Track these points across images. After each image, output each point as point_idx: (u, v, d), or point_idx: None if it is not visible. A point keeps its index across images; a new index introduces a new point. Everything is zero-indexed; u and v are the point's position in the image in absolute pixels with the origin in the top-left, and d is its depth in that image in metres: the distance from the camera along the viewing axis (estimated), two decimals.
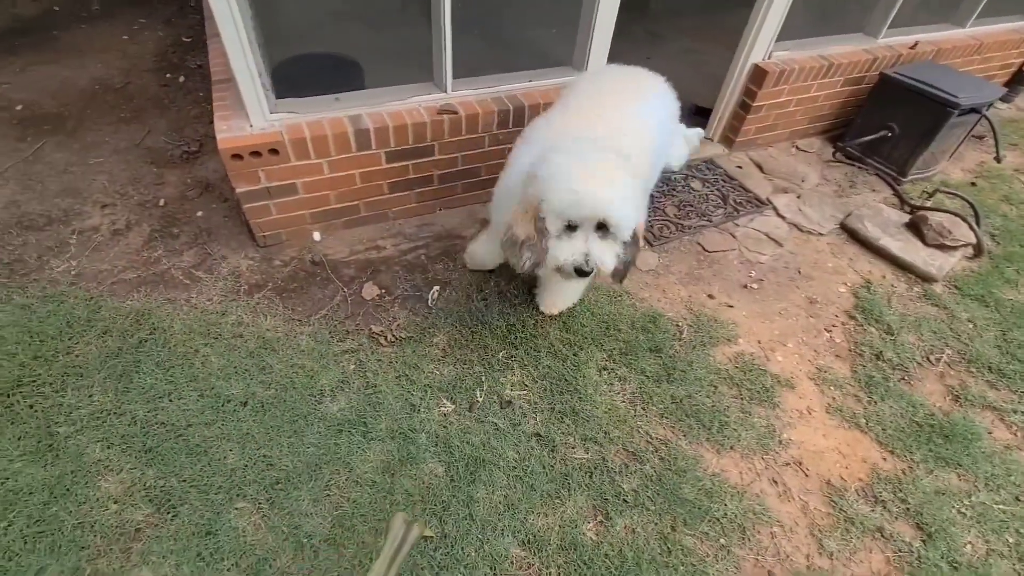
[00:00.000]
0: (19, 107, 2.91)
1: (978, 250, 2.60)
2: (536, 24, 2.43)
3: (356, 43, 2.29)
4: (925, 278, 2.49)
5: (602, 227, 1.42)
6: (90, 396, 1.77)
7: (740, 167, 3.05)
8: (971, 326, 2.31)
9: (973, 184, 3.13)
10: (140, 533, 1.51)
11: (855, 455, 1.85)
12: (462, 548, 1.53)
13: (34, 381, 1.78)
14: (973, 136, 3.21)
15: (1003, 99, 3.83)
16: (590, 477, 1.72)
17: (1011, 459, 1.87)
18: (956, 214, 2.59)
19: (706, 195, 2.81)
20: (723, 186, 2.88)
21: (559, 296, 2.07)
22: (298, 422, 1.76)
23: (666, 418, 1.89)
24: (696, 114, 3.29)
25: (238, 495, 1.59)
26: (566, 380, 1.96)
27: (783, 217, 2.75)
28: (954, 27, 3.33)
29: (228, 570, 1.46)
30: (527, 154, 1.64)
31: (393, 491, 1.63)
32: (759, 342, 2.17)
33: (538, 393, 1.92)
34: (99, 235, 2.29)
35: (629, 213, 1.40)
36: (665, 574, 1.53)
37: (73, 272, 2.13)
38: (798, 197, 2.88)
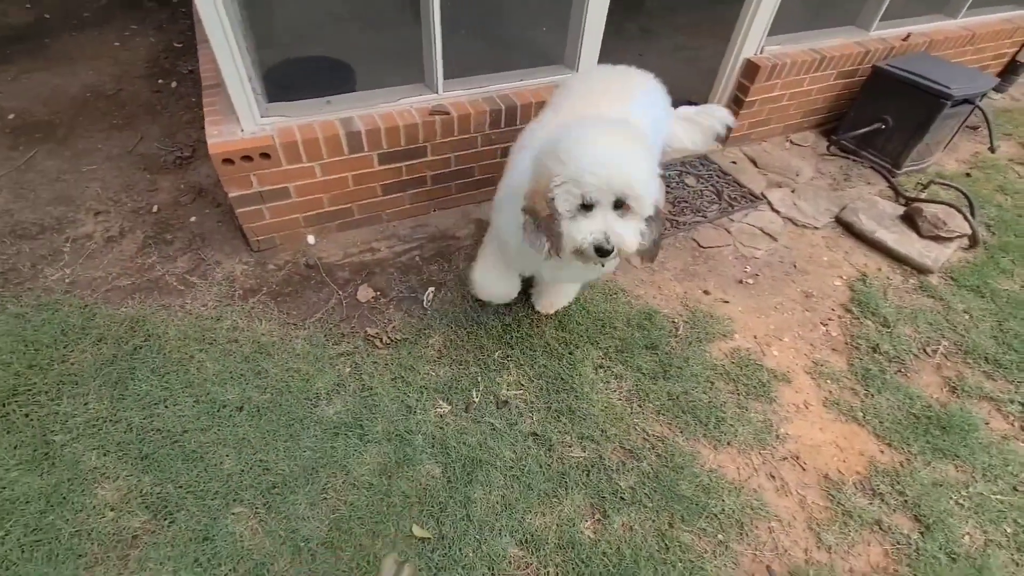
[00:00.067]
0: (11, 116, 2.91)
1: (973, 241, 2.60)
2: (526, 23, 2.43)
3: (348, 45, 2.29)
4: (921, 270, 2.49)
5: (620, 205, 1.32)
6: (85, 404, 1.77)
7: (734, 162, 3.04)
8: (967, 317, 2.31)
9: (968, 175, 3.12)
10: (137, 540, 1.51)
11: (852, 448, 1.85)
12: (460, 549, 1.53)
13: (29, 390, 1.78)
14: (967, 127, 3.21)
15: (996, 89, 3.83)
16: (587, 475, 1.72)
17: (1008, 449, 1.87)
18: (951, 205, 2.59)
19: (700, 191, 2.81)
20: (717, 182, 2.88)
21: (555, 296, 2.07)
22: (294, 426, 1.76)
23: (663, 415, 1.89)
24: None
25: (235, 500, 1.59)
26: (562, 379, 1.96)
27: (778, 212, 2.75)
28: (946, 18, 3.32)
29: (226, 575, 1.45)
30: (525, 160, 1.61)
31: (390, 493, 1.63)
32: (755, 337, 2.17)
33: (534, 392, 1.92)
34: (93, 242, 2.28)
35: (649, 186, 1.31)
36: (663, 571, 1.53)
37: (67, 280, 2.12)
38: (792, 191, 2.88)
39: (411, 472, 1.68)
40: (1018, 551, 1.63)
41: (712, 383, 1.99)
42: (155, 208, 2.45)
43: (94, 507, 1.56)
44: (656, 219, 1.40)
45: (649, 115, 1.82)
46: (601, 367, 2.00)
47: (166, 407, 1.78)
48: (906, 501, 1.72)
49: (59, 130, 2.85)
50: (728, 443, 1.83)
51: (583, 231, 1.31)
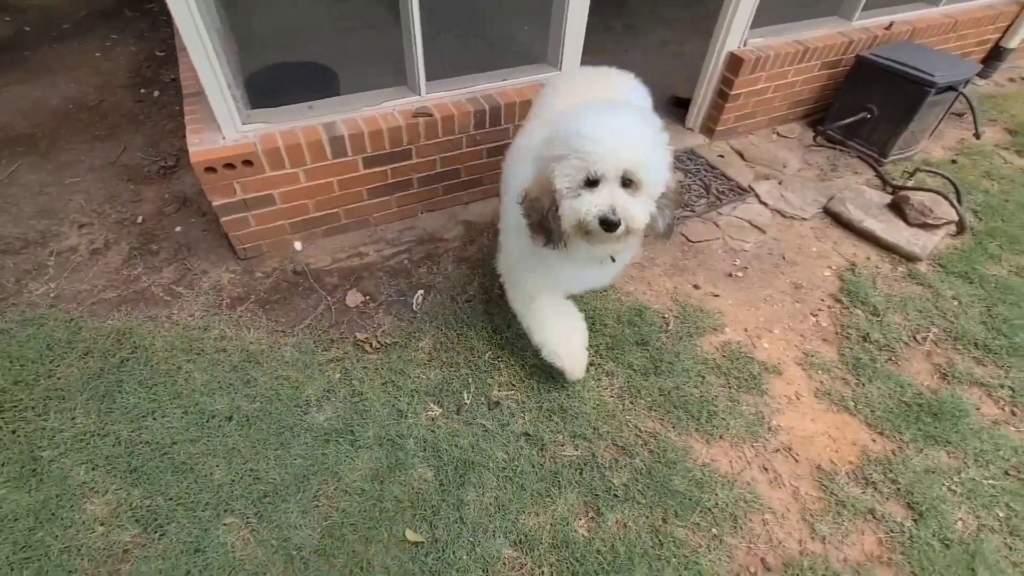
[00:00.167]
0: None
1: (961, 227, 2.61)
2: (508, 22, 2.43)
3: (330, 50, 2.28)
4: (909, 258, 2.50)
5: (628, 184, 1.26)
6: (73, 419, 1.75)
7: (721, 156, 3.05)
8: (956, 303, 2.31)
9: (954, 161, 3.13)
10: (128, 554, 1.49)
11: (844, 438, 1.85)
12: (453, 552, 1.53)
13: (16, 406, 1.76)
14: (952, 114, 3.22)
15: (980, 75, 3.84)
16: (580, 474, 1.72)
17: (999, 434, 1.88)
18: (938, 192, 2.60)
19: (688, 185, 2.81)
20: (705, 176, 2.88)
21: None
22: (284, 434, 1.75)
23: (654, 411, 1.88)
24: (676, 105, 3.29)
25: (226, 511, 1.58)
26: (553, 378, 1.95)
27: (766, 204, 2.75)
28: (928, 6, 3.33)
29: None
30: (517, 175, 1.58)
31: (382, 498, 1.62)
32: (745, 330, 2.17)
33: (525, 392, 1.91)
34: (77, 255, 2.27)
35: (658, 162, 1.26)
36: (658, 567, 1.53)
37: (52, 294, 2.11)
38: (780, 183, 2.88)
39: (403, 476, 1.68)
40: (1011, 535, 1.63)
41: (703, 377, 1.99)
42: (140, 219, 2.44)
43: (83, 522, 1.54)
44: (669, 198, 1.35)
45: None
46: (592, 364, 2.00)
47: (154, 419, 1.77)
48: (899, 489, 1.72)
49: (41, 143, 2.83)
50: (720, 437, 1.83)
51: (587, 204, 1.24)
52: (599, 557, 1.54)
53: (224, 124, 1.92)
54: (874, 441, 1.85)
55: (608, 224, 1.23)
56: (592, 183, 1.25)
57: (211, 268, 2.24)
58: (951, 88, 2.82)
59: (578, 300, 2.18)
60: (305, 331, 2.04)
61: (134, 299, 2.11)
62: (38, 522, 1.53)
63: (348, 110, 2.13)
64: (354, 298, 2.16)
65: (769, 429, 1.86)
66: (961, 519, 1.66)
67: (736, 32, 2.72)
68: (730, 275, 2.39)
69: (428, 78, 2.18)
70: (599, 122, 1.24)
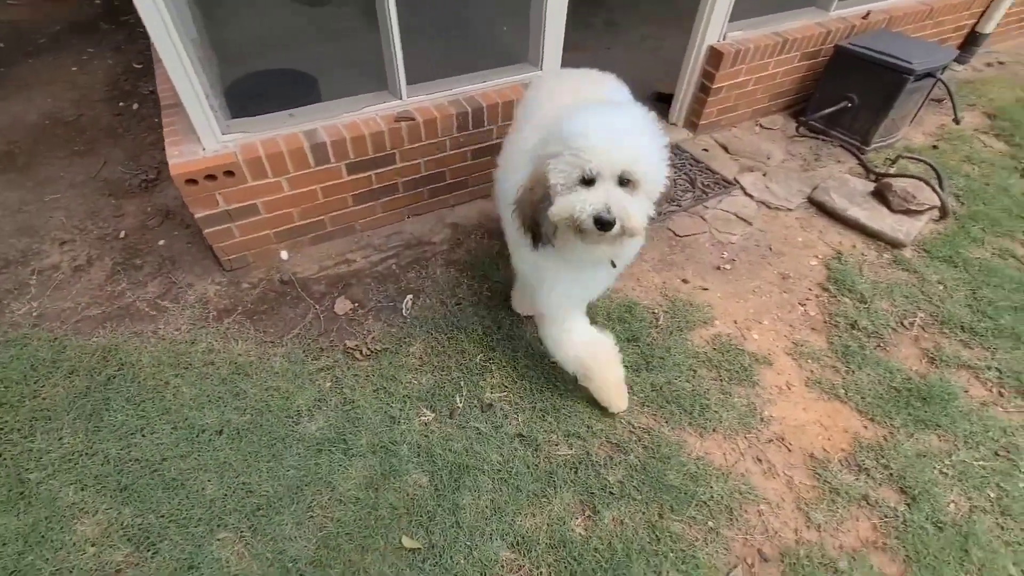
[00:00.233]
0: None
1: (943, 212, 2.63)
2: (487, 23, 2.42)
3: (310, 57, 2.27)
4: (894, 244, 2.52)
5: (625, 183, 1.22)
6: (60, 439, 1.73)
7: (706, 150, 3.06)
8: (941, 288, 2.34)
9: (935, 147, 3.17)
10: (120, 574, 1.47)
11: (836, 426, 1.87)
12: (451, 557, 1.52)
13: (0, 429, 1.73)
14: (932, 100, 3.25)
15: (958, 61, 3.89)
16: (575, 472, 1.71)
17: (988, 415, 1.90)
18: (920, 178, 2.63)
19: (674, 180, 2.80)
20: (690, 170, 2.89)
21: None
22: (276, 445, 1.73)
23: (647, 406, 1.89)
24: (659, 101, 3.30)
25: (219, 525, 1.56)
26: (545, 378, 1.95)
27: (751, 196, 2.77)
28: None
29: None
30: (507, 180, 1.57)
31: (377, 506, 1.61)
32: (735, 322, 2.18)
33: (518, 393, 1.91)
34: (59, 273, 2.23)
35: (656, 163, 1.23)
36: (655, 563, 1.53)
37: (35, 313, 2.07)
38: (764, 175, 2.90)
39: (398, 483, 1.67)
40: (1002, 515, 1.65)
41: (695, 371, 1.99)
42: (122, 233, 2.41)
43: (74, 544, 1.52)
44: (660, 198, 1.31)
45: None
46: None
47: (143, 436, 1.75)
48: (891, 474, 1.73)
49: (19, 159, 2.79)
50: (713, 429, 1.83)
51: (581, 200, 1.20)
52: (597, 555, 1.54)
53: (203, 135, 1.90)
54: (865, 428, 1.86)
55: (602, 223, 1.19)
56: (588, 182, 1.21)
57: (196, 281, 2.21)
58: (929, 75, 2.86)
59: None
60: (294, 341, 2.03)
61: (119, 315, 2.08)
62: (27, 546, 1.51)
63: (329, 117, 2.11)
64: (343, 305, 2.15)
65: (761, 420, 1.87)
66: (953, 501, 1.68)
67: (715, 26, 2.73)
68: (718, 268, 2.40)
69: (409, 82, 2.17)
70: (596, 120, 1.21)
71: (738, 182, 2.84)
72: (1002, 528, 1.62)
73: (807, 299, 2.28)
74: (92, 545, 1.52)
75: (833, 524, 1.63)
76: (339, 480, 1.67)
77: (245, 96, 2.12)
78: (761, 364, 2.03)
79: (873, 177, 2.86)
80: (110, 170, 2.75)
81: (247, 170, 1.97)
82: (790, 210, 2.70)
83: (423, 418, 1.83)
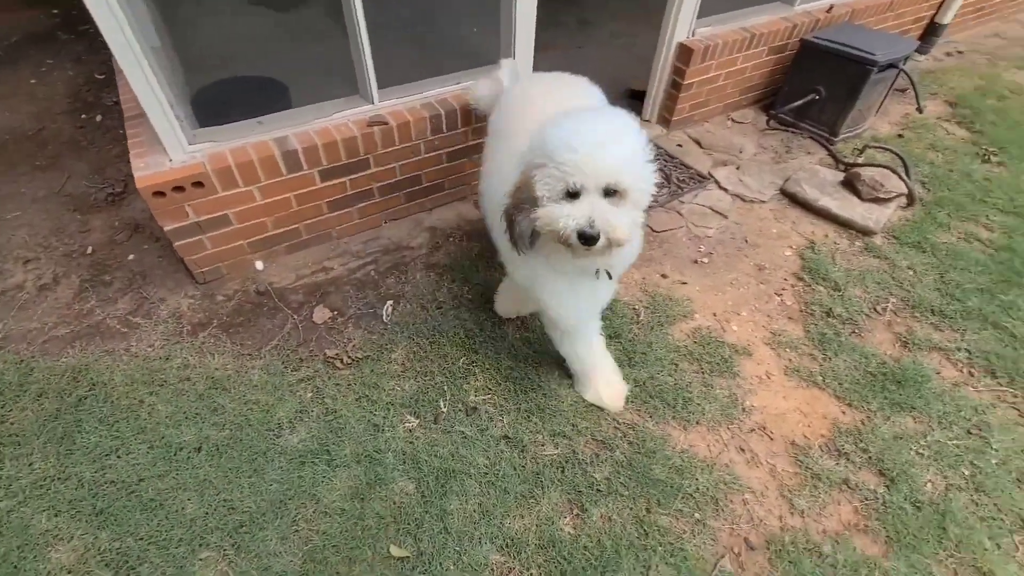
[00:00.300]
0: None
1: (910, 199, 2.70)
2: (457, 25, 2.41)
3: (279, 63, 2.23)
4: (864, 232, 2.57)
5: (611, 194, 1.20)
6: (30, 464, 1.67)
7: (680, 145, 3.09)
8: (911, 273, 2.40)
9: (900, 136, 3.25)
10: None
11: (815, 412, 1.90)
12: (440, 563, 1.51)
13: None
14: (895, 90, 3.34)
15: (919, 51, 3.99)
16: (562, 472, 1.72)
17: (960, 395, 1.95)
18: (887, 167, 2.69)
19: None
20: (665, 165, 2.92)
21: (517, 301, 2.04)
22: (257, 460, 1.70)
23: (631, 402, 1.90)
24: (632, 98, 3.33)
25: (201, 545, 1.53)
26: (529, 378, 1.95)
27: (725, 189, 2.81)
28: None
29: None
30: (492, 188, 1.56)
31: (364, 516, 1.59)
32: (714, 314, 2.20)
33: (502, 395, 1.90)
34: (24, 293, 2.16)
35: (642, 172, 1.20)
36: (644, 557, 1.54)
37: None
38: (737, 168, 2.94)
39: (384, 492, 1.65)
40: (977, 491, 1.70)
41: (676, 365, 2.01)
42: (89, 249, 2.34)
43: (49, 572, 1.47)
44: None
45: None
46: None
47: (118, 457, 1.70)
48: (870, 457, 1.77)
49: None
50: (697, 422, 1.85)
51: (565, 215, 1.19)
52: (586, 553, 1.54)
53: (170, 146, 1.86)
54: (843, 413, 1.90)
55: (586, 238, 1.18)
56: (573, 194, 1.19)
57: (169, 295, 2.16)
58: (892, 66, 2.93)
59: None
60: (272, 352, 1.99)
61: (88, 334, 2.02)
62: None
63: (300, 123, 2.08)
64: (321, 314, 2.12)
65: (743, 410, 1.89)
66: (930, 481, 1.72)
67: (684, 23, 2.76)
68: (696, 262, 2.43)
69: (380, 86, 2.15)
70: (579, 131, 1.18)
71: (712, 176, 2.87)
72: (977, 504, 1.67)
73: (783, 289, 2.32)
74: (68, 573, 1.47)
75: (816, 509, 1.66)
76: (323, 492, 1.64)
77: (212, 104, 2.07)
78: (741, 355, 2.06)
79: (842, 167, 2.92)
80: (75, 184, 2.67)
81: (216, 180, 1.93)
82: (764, 202, 2.75)
83: (407, 425, 1.82)
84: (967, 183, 2.86)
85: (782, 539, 1.59)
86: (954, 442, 1.82)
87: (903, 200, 2.71)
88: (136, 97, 1.74)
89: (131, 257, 2.31)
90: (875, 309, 2.25)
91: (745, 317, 2.20)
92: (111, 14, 1.55)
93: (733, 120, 3.31)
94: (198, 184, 1.90)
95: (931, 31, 4.00)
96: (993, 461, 1.76)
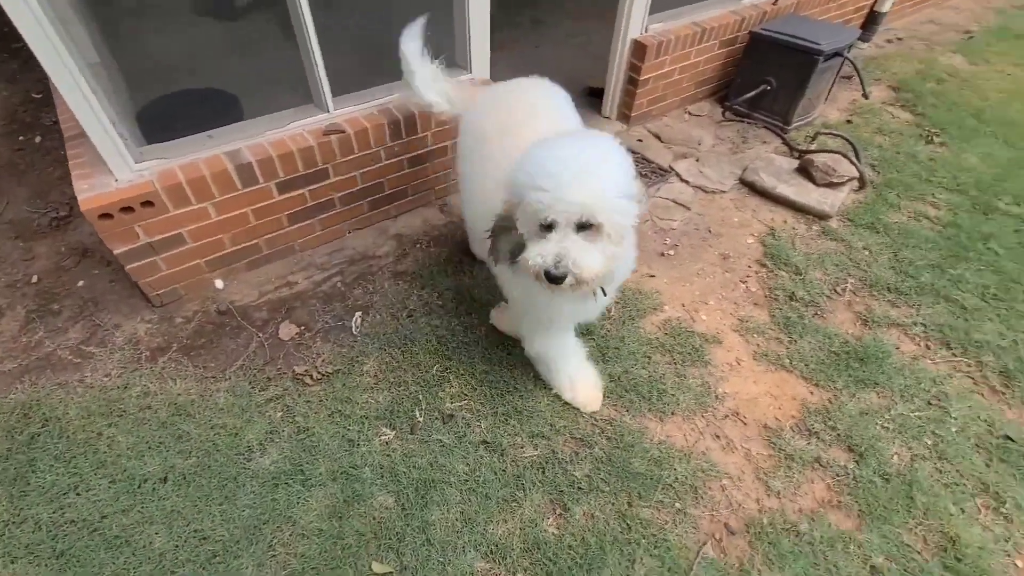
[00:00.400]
0: None
1: (862, 182, 2.80)
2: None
3: (229, 74, 2.15)
4: (821, 216, 2.66)
5: (586, 227, 1.16)
6: None
7: (640, 140, 3.13)
8: (867, 253, 2.48)
9: (849, 122, 3.37)
10: None
11: (785, 395, 1.95)
12: None
13: None
14: (842, 77, 3.46)
15: (861, 39, 4.15)
16: (543, 473, 1.71)
17: (919, 368, 2.03)
18: (838, 152, 2.78)
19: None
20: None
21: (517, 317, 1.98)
22: (228, 486, 1.64)
23: (607, 397, 1.90)
24: (591, 95, 3.35)
25: None
26: (504, 381, 1.94)
27: (687, 182, 2.85)
28: None
29: None
30: (477, 213, 1.54)
31: (343, 535, 1.55)
32: (683, 305, 2.24)
33: (479, 400, 1.89)
34: None
35: (616, 205, 1.15)
36: (629, 551, 1.54)
37: None
38: (697, 160, 2.99)
39: (362, 508, 1.61)
40: (939, 460, 1.77)
41: (649, 358, 2.03)
42: (35, 278, 2.22)
43: None
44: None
45: (573, 117, 1.75)
46: None
47: (78, 495, 1.61)
48: (839, 435, 1.82)
49: None
50: (672, 412, 1.87)
51: (534, 254, 1.17)
52: (571, 552, 1.54)
53: (114, 165, 1.78)
54: (811, 393, 1.95)
55: (551, 278, 1.16)
56: (549, 227, 1.17)
57: (124, 321, 2.07)
58: (837, 54, 3.03)
59: None
60: (238, 373, 1.92)
61: (38, 367, 1.91)
62: None
63: (253, 135, 2.02)
64: (288, 330, 2.06)
65: (716, 397, 1.92)
66: (896, 453, 1.78)
67: (636, 19, 2.79)
68: (662, 254, 2.46)
69: (335, 94, 2.11)
70: (550, 165, 1.14)
71: (673, 169, 2.92)
72: (940, 472, 1.73)
73: (748, 276, 2.37)
74: None
75: (791, 489, 1.69)
76: (300, 513, 1.59)
77: (159, 120, 2.00)
78: (711, 343, 2.09)
79: (796, 154, 3.01)
80: (15, 210, 2.53)
81: (167, 198, 1.85)
82: (724, 192, 2.81)
83: (383, 437, 1.78)
84: (913, 164, 2.99)
85: (761, 521, 1.62)
86: (916, 414, 1.89)
87: (855, 183, 2.81)
88: (75, 116, 1.66)
89: (80, 283, 2.20)
90: (835, 290, 2.32)
91: (713, 306, 2.24)
92: (41, 31, 1.47)
93: (690, 113, 3.37)
94: (148, 203, 1.82)
95: (871, 20, 4.16)
96: (953, 429, 1.84)
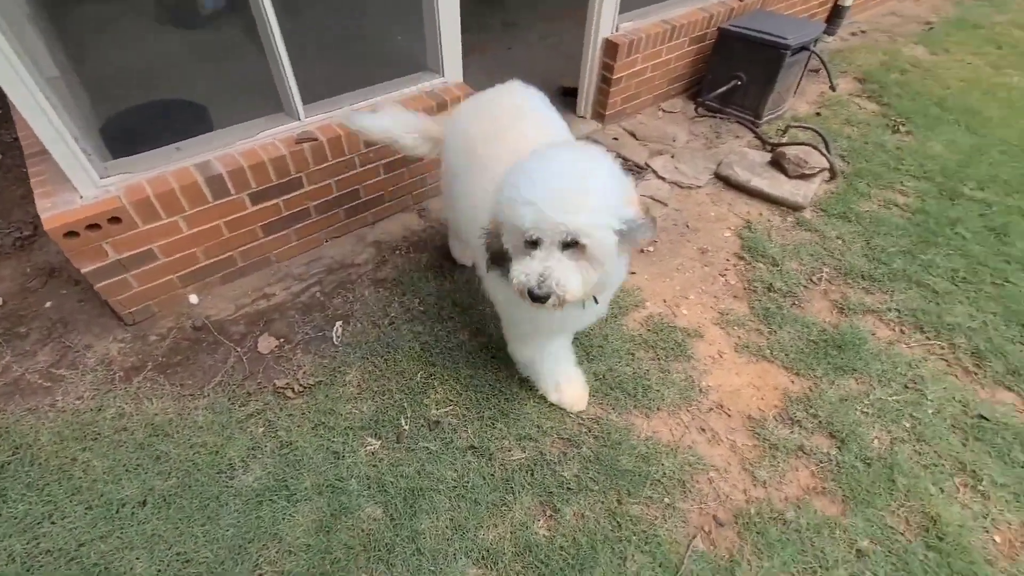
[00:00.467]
0: None
1: (832, 173, 2.86)
2: (380, 34, 2.35)
3: (197, 84, 2.11)
4: (795, 207, 2.70)
5: (572, 244, 1.14)
6: None
7: (616, 138, 3.15)
8: (840, 242, 2.53)
9: (818, 114, 3.43)
10: None
11: (767, 385, 1.97)
12: None
13: None
14: (809, 71, 3.52)
15: (827, 33, 4.23)
16: (531, 475, 1.70)
17: (895, 352, 2.07)
18: (809, 144, 2.83)
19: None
20: None
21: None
22: (210, 506, 1.60)
23: (593, 396, 1.91)
24: (565, 95, 3.36)
25: None
26: (490, 385, 1.93)
27: (663, 178, 2.88)
28: None
29: None
30: (465, 210, 1.53)
31: (331, 549, 1.53)
32: (664, 301, 2.25)
33: (464, 405, 1.88)
34: None
35: (601, 222, 1.11)
36: (620, 548, 1.55)
37: None
38: (672, 156, 3.02)
39: (350, 521, 1.59)
40: (918, 441, 1.81)
41: (633, 354, 2.04)
42: None
43: None
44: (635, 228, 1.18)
45: (554, 118, 1.73)
46: None
47: (53, 523, 1.56)
48: (820, 422, 1.85)
49: None
50: (658, 408, 1.88)
51: (517, 271, 1.16)
52: (563, 553, 1.54)
53: (78, 181, 1.73)
54: (792, 382, 1.98)
55: (534, 297, 1.15)
56: (535, 243, 1.15)
57: (95, 341, 2.01)
58: (804, 48, 3.08)
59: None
60: (217, 389, 1.88)
61: (6, 393, 1.85)
62: None
63: (222, 146, 1.98)
64: (267, 343, 2.02)
65: (700, 391, 1.94)
66: (876, 437, 1.82)
67: (607, 19, 2.81)
68: (642, 251, 2.47)
69: (305, 101, 2.08)
70: (535, 182, 1.12)
71: (649, 166, 2.94)
72: (919, 454, 1.77)
73: (726, 269, 2.40)
74: None
75: (776, 478, 1.71)
76: (286, 529, 1.56)
77: (124, 133, 1.94)
78: (693, 338, 2.11)
79: (769, 148, 3.06)
80: None
81: (135, 214, 1.80)
82: (700, 187, 2.84)
83: (369, 447, 1.76)
84: (881, 153, 3.06)
85: (748, 511, 1.63)
86: (894, 398, 1.93)
87: (826, 174, 2.86)
88: (35, 133, 1.61)
89: (48, 304, 2.13)
90: (811, 280, 2.36)
91: (693, 300, 2.26)
92: None
93: (664, 110, 3.41)
94: (115, 220, 1.77)
95: (836, 13, 4.25)
96: (930, 411, 1.88)
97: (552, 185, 1.11)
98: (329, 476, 1.68)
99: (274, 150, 2.01)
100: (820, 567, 1.52)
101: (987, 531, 1.59)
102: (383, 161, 2.34)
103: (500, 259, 1.27)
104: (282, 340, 2.05)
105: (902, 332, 2.15)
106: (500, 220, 1.20)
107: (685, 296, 2.28)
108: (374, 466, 1.71)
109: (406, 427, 1.81)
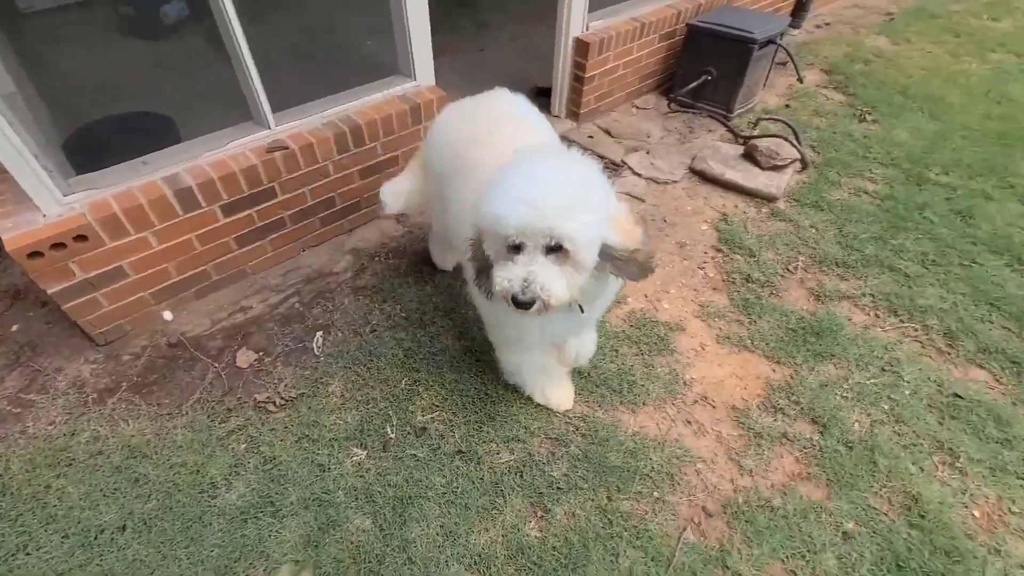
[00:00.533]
0: None
1: (804, 163, 2.91)
2: (350, 39, 2.33)
3: (163, 95, 2.07)
4: (769, 199, 2.75)
5: (557, 249, 1.12)
6: None
7: (591, 136, 3.17)
8: (814, 231, 2.58)
9: (787, 106, 3.50)
10: None
11: (749, 375, 2.00)
12: None
13: None
14: (777, 64, 3.59)
15: (792, 26, 4.32)
16: (520, 476, 1.70)
17: (871, 337, 2.11)
18: (779, 136, 2.88)
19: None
20: None
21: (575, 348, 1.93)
22: (193, 527, 1.56)
23: (579, 394, 1.91)
24: (539, 95, 3.37)
25: None
26: (475, 388, 1.92)
27: (639, 174, 2.90)
28: None
29: None
30: (456, 213, 1.52)
31: (320, 563, 1.50)
32: (645, 296, 2.27)
33: (450, 410, 1.86)
34: None
35: (585, 227, 1.10)
36: (612, 545, 1.55)
37: None
38: (647, 152, 3.05)
39: (339, 534, 1.56)
40: (897, 422, 1.85)
41: (617, 351, 2.05)
42: None
43: None
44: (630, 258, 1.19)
45: (539, 120, 1.72)
46: None
47: (28, 554, 1.50)
48: (802, 408, 1.88)
49: None
50: (643, 403, 1.89)
51: (500, 277, 1.14)
52: (555, 553, 1.54)
53: (40, 200, 1.67)
54: (774, 371, 2.01)
55: (518, 303, 1.13)
56: (517, 248, 1.13)
57: (66, 363, 1.95)
58: (771, 41, 3.14)
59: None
60: (195, 407, 1.84)
61: None
62: None
63: (190, 158, 1.94)
64: (246, 357, 1.98)
65: (684, 384, 1.96)
66: (857, 421, 1.85)
67: (577, 18, 2.83)
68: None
69: (275, 109, 2.05)
70: (519, 186, 1.11)
71: (625, 163, 2.96)
72: (899, 435, 1.81)
73: (705, 262, 2.43)
74: None
75: (762, 466, 1.74)
76: (273, 546, 1.53)
77: (88, 148, 1.89)
78: (675, 331, 2.13)
79: (741, 141, 3.10)
80: None
81: (102, 231, 1.75)
82: (676, 182, 2.87)
83: (355, 458, 1.73)
84: (850, 142, 3.12)
85: (736, 500, 1.65)
86: (872, 381, 1.97)
87: (798, 165, 2.91)
88: None
89: (15, 328, 2.06)
90: (787, 269, 2.40)
91: (674, 294, 2.28)
92: None
93: (637, 107, 3.44)
94: (81, 238, 1.72)
95: (800, 7, 4.33)
96: (907, 392, 1.92)
97: (535, 189, 1.09)
98: (315, 489, 1.65)
99: (244, 160, 1.97)
100: (808, 551, 1.54)
101: (966, 507, 1.63)
102: (358, 167, 2.31)
103: (485, 272, 1.25)
104: (261, 353, 2.01)
105: (877, 316, 2.20)
106: (482, 227, 1.19)
107: (666, 290, 2.30)
108: (361, 476, 1.69)
109: (392, 435, 1.79)
